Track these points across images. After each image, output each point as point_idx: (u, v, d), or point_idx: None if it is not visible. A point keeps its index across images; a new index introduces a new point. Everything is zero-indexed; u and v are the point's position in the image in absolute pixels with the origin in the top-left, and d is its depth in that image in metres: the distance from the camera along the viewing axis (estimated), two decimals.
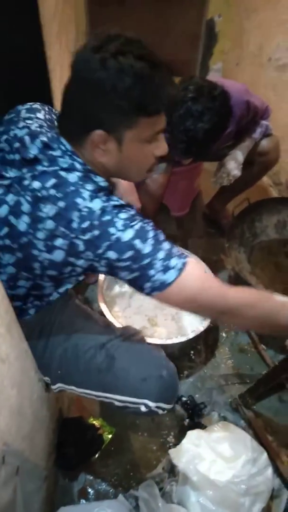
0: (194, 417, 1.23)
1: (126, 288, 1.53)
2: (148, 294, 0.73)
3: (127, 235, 0.68)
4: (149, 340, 1.18)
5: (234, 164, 1.44)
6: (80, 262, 0.72)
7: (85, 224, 0.68)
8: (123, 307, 1.46)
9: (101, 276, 1.38)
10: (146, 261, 0.69)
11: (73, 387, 0.90)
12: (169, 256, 0.70)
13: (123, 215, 0.69)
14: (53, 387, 0.90)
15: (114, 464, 1.15)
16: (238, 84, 1.37)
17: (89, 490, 1.10)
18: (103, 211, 0.68)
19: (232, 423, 1.15)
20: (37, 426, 0.88)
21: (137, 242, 0.68)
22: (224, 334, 1.51)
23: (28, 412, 0.80)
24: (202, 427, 1.17)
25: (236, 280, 1.60)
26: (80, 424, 1.16)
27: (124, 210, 0.70)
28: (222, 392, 1.33)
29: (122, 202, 0.72)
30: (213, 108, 1.12)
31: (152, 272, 0.69)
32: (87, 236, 0.68)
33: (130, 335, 0.94)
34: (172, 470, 1.09)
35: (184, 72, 1.24)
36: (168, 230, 1.90)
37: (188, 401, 1.26)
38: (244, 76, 2.28)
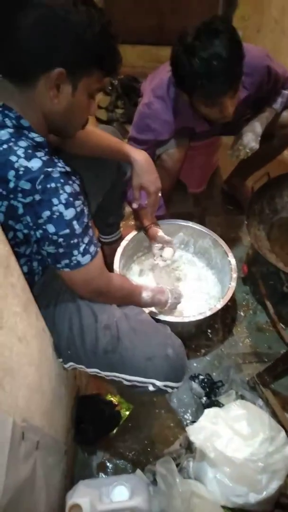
0: (211, 395, 1.23)
1: (144, 266, 1.52)
2: (58, 268, 0.79)
3: (69, 213, 0.71)
4: (165, 318, 1.17)
5: (251, 136, 1.38)
6: (19, 226, 0.72)
7: (26, 186, 0.68)
8: None
9: (118, 254, 1.37)
10: (75, 241, 0.75)
11: (83, 367, 0.91)
12: (90, 242, 0.79)
13: (68, 188, 0.70)
14: (65, 365, 0.91)
15: (132, 439, 1.17)
16: (259, 48, 1.29)
17: (108, 464, 1.12)
18: (48, 176, 0.68)
19: (250, 402, 1.15)
20: (56, 403, 0.89)
21: (75, 223, 0.73)
22: (242, 313, 1.49)
23: (47, 390, 0.81)
24: (220, 405, 1.18)
25: (255, 258, 1.57)
26: (98, 401, 1.17)
27: (70, 182, 0.71)
28: (239, 371, 1.32)
29: (67, 168, 0.72)
30: (225, 32, 1.04)
31: (75, 252, 0.76)
32: (28, 200, 0.68)
33: (134, 314, 0.94)
34: (189, 447, 1.10)
35: None
36: (185, 207, 1.86)
37: (205, 380, 1.26)
38: (266, 44, 2.17)
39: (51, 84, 0.70)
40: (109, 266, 1.36)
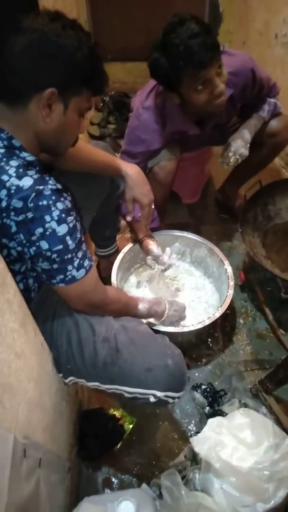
0: (214, 404, 1.22)
1: (141, 278, 1.52)
2: (53, 284, 0.79)
3: (62, 229, 0.72)
4: (164, 328, 1.17)
5: (241, 143, 1.40)
6: (13, 244, 0.73)
7: (18, 204, 0.69)
8: None
9: (115, 266, 1.37)
10: (68, 256, 0.75)
11: (83, 381, 0.90)
12: (84, 256, 0.80)
13: (60, 205, 0.71)
14: (66, 380, 0.91)
15: (136, 453, 1.16)
16: (243, 52, 1.34)
17: (113, 479, 1.11)
18: (40, 194, 0.69)
19: (253, 409, 1.14)
20: (58, 418, 0.89)
21: (68, 238, 0.74)
22: (241, 321, 1.49)
23: (48, 406, 0.81)
24: (223, 414, 1.17)
25: (251, 265, 1.57)
26: (101, 415, 1.16)
27: (61, 199, 0.72)
28: (241, 379, 1.32)
29: (58, 186, 0.73)
30: (191, 19, 1.09)
31: (70, 267, 0.77)
32: (20, 218, 0.69)
33: (132, 325, 0.95)
34: (194, 458, 1.09)
35: None
36: (180, 217, 1.88)
37: (208, 389, 1.25)
38: (251, 55, 2.22)
39: (43, 103, 0.72)
40: (107, 279, 1.37)
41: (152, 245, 1.40)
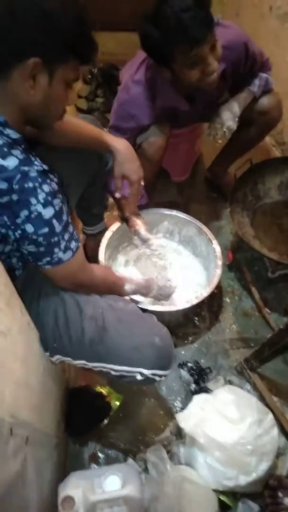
0: (200, 381, 1.24)
1: (129, 257, 1.51)
2: (39, 266, 0.79)
3: (48, 212, 0.70)
4: (152, 307, 1.17)
5: (229, 115, 1.37)
6: None
7: (2, 185, 0.66)
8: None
9: (103, 245, 1.35)
10: (55, 239, 0.74)
11: (69, 359, 0.90)
12: (71, 238, 0.79)
13: (46, 188, 0.70)
14: (53, 359, 0.91)
15: (123, 429, 1.17)
16: (235, 25, 1.29)
17: (100, 455, 1.13)
18: (26, 175, 0.67)
19: (238, 386, 1.17)
20: (45, 397, 0.89)
21: (54, 221, 0.72)
22: (227, 300, 1.51)
23: (35, 384, 0.81)
24: (208, 391, 1.19)
25: (239, 245, 1.58)
26: (88, 393, 1.17)
27: (47, 181, 0.70)
28: (227, 357, 1.34)
29: (45, 167, 0.71)
30: None
31: (56, 250, 0.76)
32: (5, 199, 0.67)
33: (120, 304, 0.95)
34: (179, 434, 1.12)
35: None
36: (169, 196, 1.85)
37: (194, 367, 1.27)
38: (244, 27, 2.13)
39: (27, 74, 0.67)
40: (94, 258, 1.35)
41: (140, 226, 1.37)
